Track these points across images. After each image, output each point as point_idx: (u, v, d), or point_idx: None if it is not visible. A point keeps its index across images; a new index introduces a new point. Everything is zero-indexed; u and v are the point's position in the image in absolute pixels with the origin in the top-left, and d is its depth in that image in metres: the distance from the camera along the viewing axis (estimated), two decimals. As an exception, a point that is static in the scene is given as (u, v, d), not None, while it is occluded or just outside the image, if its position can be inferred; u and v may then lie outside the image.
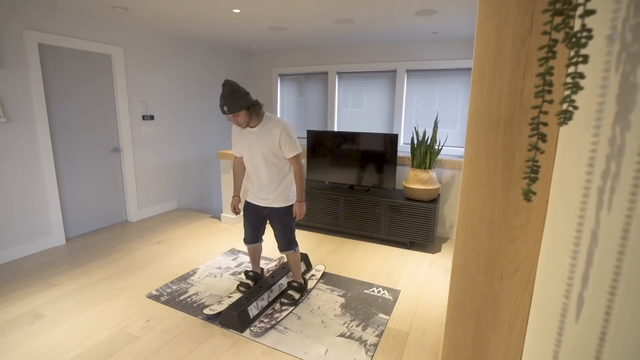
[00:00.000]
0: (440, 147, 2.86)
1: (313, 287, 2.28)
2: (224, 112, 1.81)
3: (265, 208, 2.03)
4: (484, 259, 1.01)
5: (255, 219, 2.10)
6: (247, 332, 1.83)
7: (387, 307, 2.09)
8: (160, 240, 3.05)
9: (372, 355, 1.67)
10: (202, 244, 2.99)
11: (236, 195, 2.12)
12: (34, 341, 1.73)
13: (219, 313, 1.94)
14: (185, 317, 1.96)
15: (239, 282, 2.24)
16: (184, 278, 2.38)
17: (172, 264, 2.59)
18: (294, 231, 2.11)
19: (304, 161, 3.40)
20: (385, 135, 3.04)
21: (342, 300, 2.15)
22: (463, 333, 1.07)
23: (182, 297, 2.14)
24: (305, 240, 3.12)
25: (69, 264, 2.57)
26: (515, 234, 0.96)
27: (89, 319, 1.92)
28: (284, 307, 2.03)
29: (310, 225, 3.49)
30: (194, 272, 2.47)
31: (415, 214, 2.84)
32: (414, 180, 2.85)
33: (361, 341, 1.77)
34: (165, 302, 2.08)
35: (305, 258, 2.50)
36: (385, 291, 2.26)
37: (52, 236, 2.86)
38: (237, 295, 2.11)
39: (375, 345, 1.75)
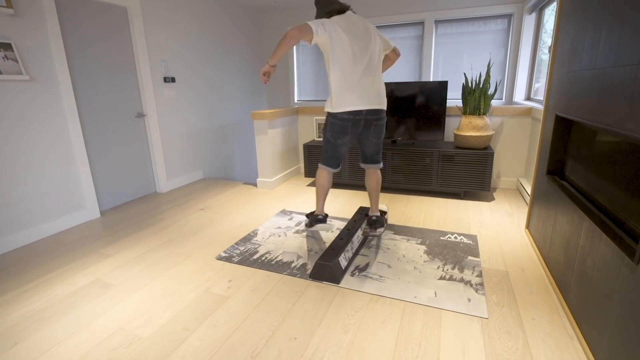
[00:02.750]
0: (494, 91, 2.74)
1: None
2: None
3: (374, 113, 1.95)
4: None
5: (353, 133, 1.99)
6: (343, 282, 1.72)
7: (472, 250, 2.02)
8: (202, 208, 2.87)
9: (484, 294, 1.61)
10: (247, 208, 2.83)
11: (274, 65, 1.91)
12: (116, 308, 1.57)
13: (303, 266, 1.83)
14: (269, 274, 1.83)
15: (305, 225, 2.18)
16: (247, 239, 2.24)
17: (226, 228, 2.43)
18: (327, 151, 2.12)
19: None
20: (433, 83, 2.89)
21: (424, 247, 2.07)
22: None
23: (255, 257, 2.00)
24: (354, 199, 3.00)
25: (115, 235, 2.38)
26: None
27: (165, 283, 1.76)
28: (372, 233, 2.08)
29: (355, 184, 3.37)
30: (254, 233, 2.33)
31: (471, 162, 2.75)
32: (468, 127, 2.74)
33: (465, 282, 1.70)
34: (239, 263, 1.94)
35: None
36: (462, 237, 2.19)
37: (87, 209, 2.63)
38: (318, 252, 1.99)
39: (481, 284, 1.68)
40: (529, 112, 2.92)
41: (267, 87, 4.78)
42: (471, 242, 2.12)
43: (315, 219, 2.21)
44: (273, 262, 1.94)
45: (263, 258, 1.99)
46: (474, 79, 2.77)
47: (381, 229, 2.08)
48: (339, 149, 2.05)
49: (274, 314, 1.50)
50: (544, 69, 3.24)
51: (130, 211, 2.83)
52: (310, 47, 4.45)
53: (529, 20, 3.32)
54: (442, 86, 2.85)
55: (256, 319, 1.48)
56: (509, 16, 3.50)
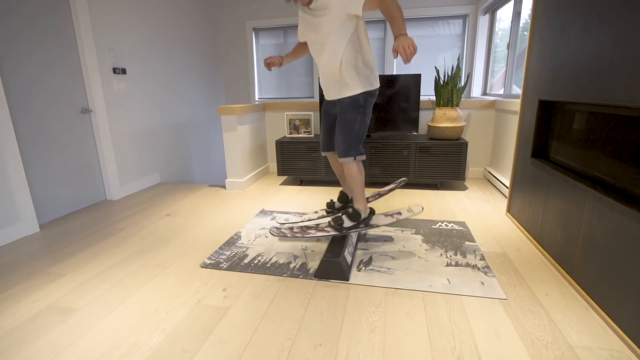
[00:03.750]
0: (464, 84, 2.85)
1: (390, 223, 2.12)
2: None
3: (335, 103, 1.81)
4: None
5: (328, 120, 1.90)
6: (352, 279, 1.60)
7: (467, 235, 2.03)
8: (169, 213, 2.54)
9: (494, 276, 1.60)
10: (221, 210, 2.57)
11: (281, 57, 1.93)
12: (88, 337, 1.26)
13: (305, 268, 1.67)
14: (267, 278, 1.64)
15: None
16: (231, 243, 2.01)
17: (203, 233, 2.17)
18: (360, 136, 1.76)
19: (317, 114, 3.11)
20: (407, 76, 2.92)
21: (420, 237, 2.03)
22: None
23: (246, 261, 1.79)
24: (333, 195, 2.90)
25: (63, 250, 1.97)
26: None
27: (144, 301, 1.48)
28: (320, 230, 1.83)
29: (332, 180, 3.27)
30: (237, 236, 2.10)
31: (447, 153, 2.82)
32: (442, 118, 2.81)
33: (472, 266, 1.69)
34: (229, 269, 1.72)
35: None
36: (452, 224, 2.21)
37: (22, 223, 2.16)
38: (315, 250, 1.85)
39: (487, 267, 1.68)
40: (492, 104, 3.10)
41: (224, 84, 4.48)
42: (462, 228, 2.15)
43: (370, 218, 1.88)
44: (269, 265, 1.75)
45: (256, 261, 1.79)
46: (447, 72, 2.85)
47: (334, 232, 1.79)
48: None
49: (288, 321, 1.33)
50: (498, 66, 3.48)
51: (78, 222, 2.40)
52: (271, 45, 4.28)
53: (483, 21, 3.55)
54: (417, 79, 2.89)
55: (269, 328, 1.29)
56: (464, 17, 3.71)
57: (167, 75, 3.45)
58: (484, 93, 3.65)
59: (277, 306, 1.42)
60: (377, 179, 3.02)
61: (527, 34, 2.44)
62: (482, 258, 1.77)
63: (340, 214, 1.85)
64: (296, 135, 3.33)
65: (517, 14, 2.86)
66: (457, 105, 2.81)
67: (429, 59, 3.87)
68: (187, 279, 1.64)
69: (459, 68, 2.77)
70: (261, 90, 4.51)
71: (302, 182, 3.26)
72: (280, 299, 1.47)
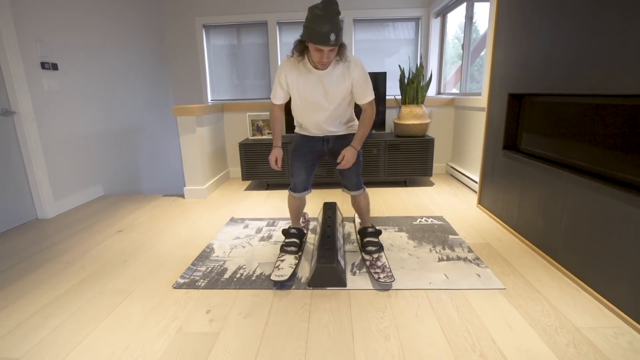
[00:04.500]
0: (429, 81, 2.92)
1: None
2: (327, 43, 1.34)
3: (329, 139, 1.67)
4: None
5: (312, 157, 1.70)
6: (349, 284, 1.49)
7: (448, 229, 2.05)
8: (120, 229, 2.20)
9: (487, 266, 1.61)
10: (184, 222, 2.30)
11: (278, 147, 1.66)
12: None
13: (292, 278, 1.52)
14: (256, 293, 1.46)
15: (282, 243, 1.80)
16: (205, 257, 1.78)
17: (168, 249, 1.90)
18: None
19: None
20: (371, 74, 2.91)
21: (405, 234, 2.00)
22: None
23: (227, 276, 1.59)
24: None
25: (-12, 285, 1.58)
26: None
27: (111, 334, 1.22)
28: (375, 255, 1.71)
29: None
30: (210, 249, 1.87)
31: (415, 150, 2.86)
32: (409, 116, 2.84)
33: (463, 259, 1.68)
34: (208, 287, 1.50)
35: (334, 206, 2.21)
36: (431, 219, 2.22)
37: None
38: (292, 258, 1.70)
39: (478, 258, 1.69)
40: (452, 102, 3.23)
41: (172, 84, 4.11)
42: (442, 222, 2.16)
43: (289, 232, 1.87)
44: (254, 278, 1.57)
45: (238, 275, 1.60)
46: (410, 70, 2.90)
47: (381, 252, 1.75)
48: None
49: (292, 339, 1.18)
50: (449, 67, 3.66)
51: (4, 248, 1.96)
52: (223, 46, 4.03)
53: (435, 24, 3.71)
54: (382, 77, 2.90)
55: (272, 350, 1.13)
56: (417, 19, 3.85)
57: (107, 72, 3.04)
58: (439, 92, 3.81)
59: (276, 324, 1.26)
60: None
61: (474, 36, 2.58)
62: (470, 250, 1.78)
63: (368, 239, 1.77)
64: (260, 137, 3.14)
65: (469, 18, 3.02)
66: (422, 102, 2.87)
67: (380, 60, 3.94)
68: (159, 304, 1.40)
69: (422, 66, 2.83)
70: (214, 91, 4.22)
71: (268, 187, 3.08)
72: (277, 315, 1.31)
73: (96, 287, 1.54)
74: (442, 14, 3.62)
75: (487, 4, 2.81)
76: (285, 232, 1.81)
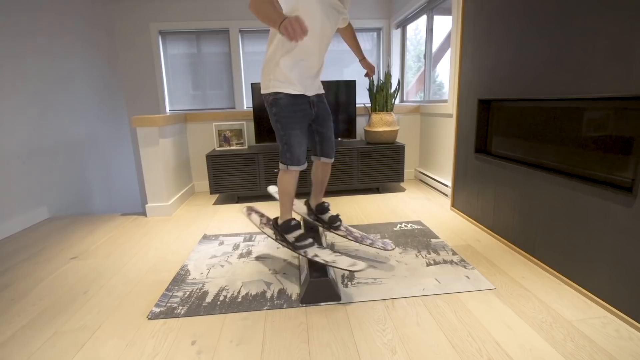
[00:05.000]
0: (397, 89, 2.99)
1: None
2: None
3: (314, 101, 1.57)
4: None
5: (306, 124, 1.57)
6: (343, 297, 1.43)
7: (429, 233, 2.07)
8: (74, 256, 1.93)
9: (474, 268, 1.64)
10: (149, 243, 2.09)
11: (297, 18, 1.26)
12: None
13: (283, 295, 1.43)
14: (245, 316, 1.34)
15: (293, 242, 1.54)
16: (180, 280, 1.61)
17: (135, 274, 1.70)
18: None
19: (250, 124, 2.83)
20: (341, 82, 2.91)
21: (388, 240, 1.98)
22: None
23: (209, 300, 1.45)
24: (267, 209, 2.66)
25: None
26: None
27: (77, 384, 1.03)
28: (343, 227, 1.83)
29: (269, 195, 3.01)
30: (185, 271, 1.71)
31: (387, 156, 2.89)
32: (379, 123, 2.88)
33: (449, 262, 1.70)
34: (190, 314, 1.35)
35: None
36: (411, 224, 2.23)
37: None
38: (287, 272, 1.61)
39: (463, 260, 1.71)
40: (417, 109, 3.34)
41: (125, 94, 3.80)
42: (421, 226, 2.19)
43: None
44: (239, 300, 1.45)
45: (221, 298, 1.46)
46: (379, 78, 2.95)
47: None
48: None
49: (294, 364, 1.08)
50: (409, 75, 3.80)
51: None
52: (183, 55, 3.82)
53: (396, 34, 3.84)
54: (351, 85, 2.91)
55: (274, 379, 1.02)
56: (378, 30, 3.96)
57: (47, 79, 2.72)
58: (402, 100, 3.94)
59: (273, 349, 1.15)
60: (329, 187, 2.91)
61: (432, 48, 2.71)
62: (454, 252, 1.81)
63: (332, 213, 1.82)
64: (228, 148, 2.99)
65: (430, 29, 3.17)
66: (392, 109, 2.93)
67: (339, 70, 4.00)
68: (134, 339, 1.23)
69: (389, 74, 2.90)
70: (172, 101, 3.98)
71: (238, 200, 2.93)
72: (273, 338, 1.20)
73: (52, 326, 1.32)
74: (402, 25, 3.76)
75: (442, 17, 2.97)
76: (289, 227, 1.55)
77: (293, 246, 1.55)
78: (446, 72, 3.04)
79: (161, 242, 2.11)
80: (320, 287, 1.39)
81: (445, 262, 1.71)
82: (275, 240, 1.65)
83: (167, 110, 3.92)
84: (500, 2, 1.80)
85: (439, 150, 3.00)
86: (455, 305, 1.36)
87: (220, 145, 3.00)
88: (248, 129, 3.17)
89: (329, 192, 3.07)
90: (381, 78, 3.04)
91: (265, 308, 1.38)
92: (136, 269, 1.77)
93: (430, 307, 1.35)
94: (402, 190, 3.09)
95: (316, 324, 1.27)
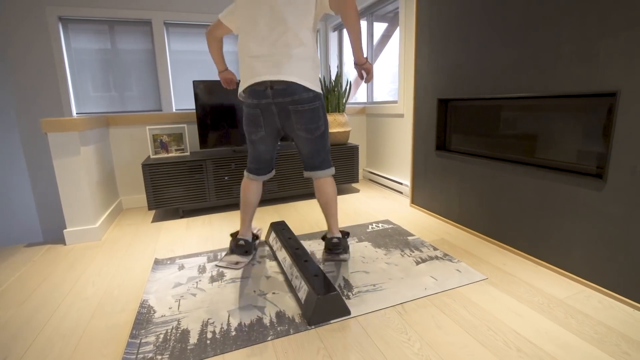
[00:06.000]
0: (346, 90, 2.97)
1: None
2: None
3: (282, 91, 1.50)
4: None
5: (267, 124, 1.61)
6: (352, 310, 1.31)
7: (402, 231, 2.08)
8: (-29, 311, 1.40)
9: (459, 260, 1.68)
10: (82, 278, 1.65)
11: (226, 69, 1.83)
12: None
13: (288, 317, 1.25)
14: (249, 352, 1.11)
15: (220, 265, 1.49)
16: (147, 321, 1.28)
17: (74, 323, 1.30)
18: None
19: (192, 127, 2.48)
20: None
21: (368, 243, 1.92)
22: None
23: (193, 340, 1.17)
24: (222, 222, 2.40)
25: None
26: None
27: None
28: (336, 258, 1.72)
29: (226, 205, 2.70)
30: (147, 309, 1.37)
31: (342, 157, 2.85)
32: (333, 124, 2.82)
33: (436, 258, 1.71)
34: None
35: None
36: (381, 224, 2.22)
37: None
38: (276, 291, 1.41)
39: (447, 254, 1.75)
40: (364, 110, 3.39)
41: (15, 95, 3.00)
42: (392, 225, 2.19)
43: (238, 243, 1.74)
44: (233, 333, 1.21)
45: (209, 335, 1.20)
46: (331, 78, 2.90)
47: (345, 255, 1.73)
48: (256, 147, 1.63)
49: (332, 399, 0.92)
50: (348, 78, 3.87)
51: None
52: (91, 50, 3.19)
53: (333, 37, 3.86)
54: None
55: None
56: (317, 32, 3.92)
57: None
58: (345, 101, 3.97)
59: (299, 385, 0.98)
60: (276, 194, 2.73)
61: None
62: (435, 248, 1.84)
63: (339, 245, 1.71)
64: (166, 155, 2.59)
65: (370, 35, 3.25)
66: (344, 110, 2.91)
67: None
68: (106, 413, 0.91)
69: (339, 75, 2.87)
70: (79, 103, 3.30)
71: (184, 214, 2.56)
72: (292, 373, 1.02)
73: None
74: (339, 29, 3.80)
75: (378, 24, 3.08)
76: (237, 244, 1.74)
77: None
78: (382, 75, 3.16)
79: (99, 275, 1.68)
80: (329, 304, 1.25)
81: (431, 258, 1.72)
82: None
83: (74, 114, 3.23)
84: (458, 9, 1.92)
85: (389, 149, 3.09)
86: (461, 300, 1.36)
87: (157, 153, 2.57)
88: (190, 132, 2.80)
89: (282, 199, 2.90)
90: (332, 79, 3.00)
91: (270, 338, 1.17)
92: (74, 314, 1.36)
93: (440, 306, 1.33)
94: (357, 190, 3.10)
95: (337, 346, 1.13)
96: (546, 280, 1.49)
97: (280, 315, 1.30)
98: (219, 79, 3.13)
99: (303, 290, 1.35)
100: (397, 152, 2.98)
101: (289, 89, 1.45)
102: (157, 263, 1.78)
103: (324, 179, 1.63)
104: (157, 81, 3.45)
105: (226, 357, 1.09)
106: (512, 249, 1.76)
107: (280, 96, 1.47)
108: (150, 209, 2.40)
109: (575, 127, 1.46)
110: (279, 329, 1.22)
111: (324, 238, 1.75)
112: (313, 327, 1.22)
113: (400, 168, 2.96)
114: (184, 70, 3.59)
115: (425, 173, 2.37)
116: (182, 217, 2.50)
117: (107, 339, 1.20)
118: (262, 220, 2.36)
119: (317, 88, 1.53)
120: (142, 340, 1.18)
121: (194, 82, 2.51)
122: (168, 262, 1.78)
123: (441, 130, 2.21)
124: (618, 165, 1.28)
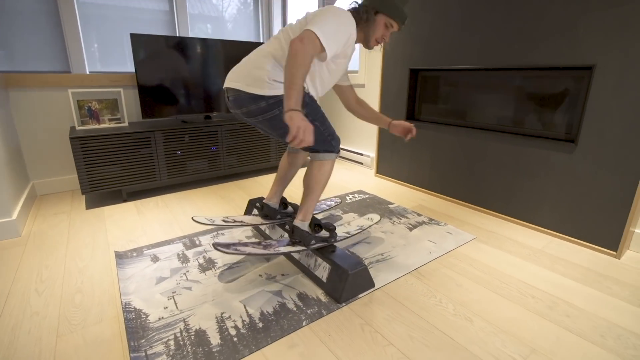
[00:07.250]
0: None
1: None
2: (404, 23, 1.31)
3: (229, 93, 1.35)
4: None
5: None
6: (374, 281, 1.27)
7: (381, 200, 2.10)
8: None
9: (445, 224, 1.77)
10: (16, 287, 1.25)
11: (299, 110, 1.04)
12: None
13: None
14: (288, 342, 0.99)
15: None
16: (141, 329, 1.04)
17: (42, 341, 0.98)
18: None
19: (131, 91, 1.99)
20: (251, 44, 2.47)
21: (354, 214, 1.89)
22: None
23: (216, 341, 0.99)
24: (181, 203, 2.10)
25: None
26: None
27: None
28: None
29: (178, 184, 2.33)
30: (133, 313, 1.11)
31: (303, 129, 2.71)
32: (293, 93, 2.64)
33: (424, 223, 1.77)
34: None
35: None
36: (357, 194, 2.20)
37: None
38: (285, 272, 1.29)
39: (432, 218, 1.83)
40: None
41: None
42: (368, 195, 2.20)
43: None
44: (260, 325, 1.06)
45: (232, 331, 1.03)
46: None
47: (295, 247, 1.31)
48: None
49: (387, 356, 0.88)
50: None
51: None
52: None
53: (277, 3, 3.55)
54: (254, 46, 2.52)
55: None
56: (257, -10, 3.55)
57: None
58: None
59: (335, 346, 0.91)
60: (237, 169, 2.48)
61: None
62: (419, 214, 1.91)
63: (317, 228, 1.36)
64: (98, 127, 2.08)
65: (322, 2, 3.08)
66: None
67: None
68: None
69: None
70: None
71: (127, 197, 2.14)
72: (351, 356, 0.94)
73: None
74: (284, -11, 3.51)
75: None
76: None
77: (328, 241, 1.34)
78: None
79: (40, 280, 1.29)
80: (359, 279, 1.18)
81: (419, 224, 1.78)
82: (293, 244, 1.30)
83: None
84: (433, -26, 1.91)
85: (346, 121, 3.06)
86: (466, 259, 1.44)
87: (84, 123, 2.05)
88: (128, 97, 2.30)
89: (246, 174, 2.66)
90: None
91: (304, 323, 1.07)
92: (27, 338, 1.02)
93: (450, 266, 1.39)
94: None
95: (378, 319, 1.08)
96: (522, 234, 1.68)
97: (303, 297, 1.19)
98: (162, 33, 2.60)
99: (322, 267, 1.25)
100: (355, 123, 2.97)
101: (237, 99, 1.23)
102: (120, 257, 1.45)
103: (312, 162, 1.37)
104: (62, 37, 2.73)
105: (266, 353, 0.95)
106: (486, 210, 1.93)
107: (233, 108, 1.29)
108: (84, 192, 1.93)
109: (550, 97, 1.62)
110: (308, 312, 1.12)
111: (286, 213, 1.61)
112: (344, 304, 1.15)
113: (359, 139, 2.96)
114: (98, 23, 2.90)
115: (394, 143, 2.41)
116: (125, 200, 2.09)
117: (100, 357, 0.94)
118: (227, 198, 2.13)
119: (271, 90, 1.17)
120: (149, 352, 0.95)
121: (132, 35, 2.03)
122: (134, 255, 1.47)
123: (411, 100, 2.26)
124: (589, 131, 1.47)
